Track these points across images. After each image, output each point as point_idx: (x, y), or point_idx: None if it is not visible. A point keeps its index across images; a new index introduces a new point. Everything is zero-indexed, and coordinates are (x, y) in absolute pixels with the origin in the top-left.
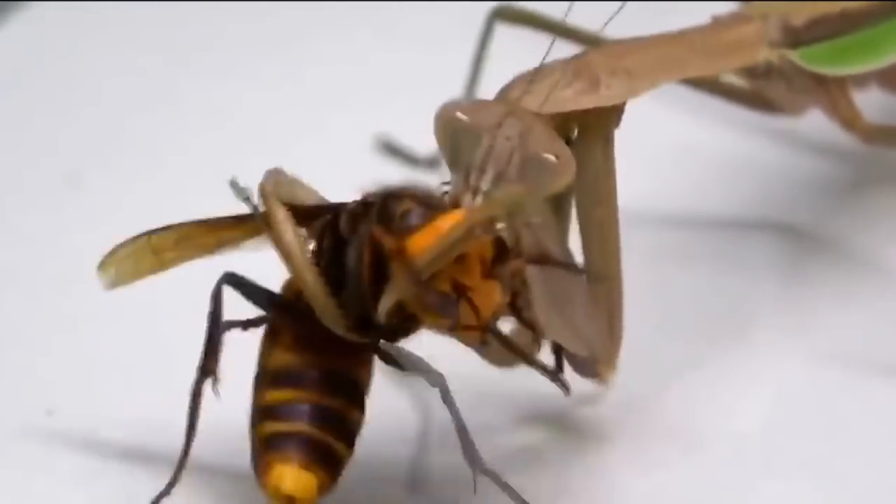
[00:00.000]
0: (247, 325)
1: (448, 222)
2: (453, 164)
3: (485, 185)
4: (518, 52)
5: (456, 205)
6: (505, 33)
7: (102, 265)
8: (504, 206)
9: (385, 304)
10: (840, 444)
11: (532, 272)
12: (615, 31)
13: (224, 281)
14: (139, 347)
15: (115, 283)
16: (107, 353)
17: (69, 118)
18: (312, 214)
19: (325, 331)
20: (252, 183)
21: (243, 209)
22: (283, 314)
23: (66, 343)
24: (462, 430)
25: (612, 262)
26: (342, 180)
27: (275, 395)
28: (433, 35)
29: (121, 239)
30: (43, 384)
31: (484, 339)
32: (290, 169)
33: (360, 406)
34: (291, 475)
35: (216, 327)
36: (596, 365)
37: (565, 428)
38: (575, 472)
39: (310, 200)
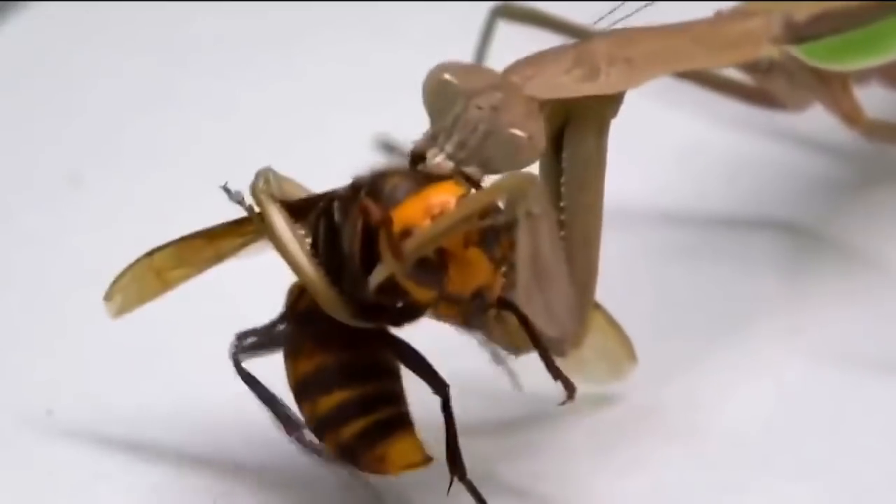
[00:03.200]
0: (268, 347)
1: (437, 192)
2: (432, 123)
3: (449, 147)
4: (519, 51)
5: (418, 156)
6: (506, 31)
7: (108, 295)
8: (507, 192)
9: (376, 279)
10: (841, 444)
11: (521, 249)
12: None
13: (237, 347)
14: (139, 347)
15: (121, 311)
16: (107, 353)
17: (69, 118)
18: (305, 208)
19: (337, 325)
20: (246, 185)
21: (240, 211)
22: (297, 326)
23: (66, 343)
24: (452, 439)
25: (591, 247)
26: (342, 180)
27: (328, 402)
28: (433, 35)
29: (121, 239)
30: (43, 384)
31: (470, 316)
32: (284, 167)
33: (397, 374)
34: (404, 448)
35: (262, 392)
36: (562, 344)
37: (565, 427)
38: (575, 471)
39: (301, 195)
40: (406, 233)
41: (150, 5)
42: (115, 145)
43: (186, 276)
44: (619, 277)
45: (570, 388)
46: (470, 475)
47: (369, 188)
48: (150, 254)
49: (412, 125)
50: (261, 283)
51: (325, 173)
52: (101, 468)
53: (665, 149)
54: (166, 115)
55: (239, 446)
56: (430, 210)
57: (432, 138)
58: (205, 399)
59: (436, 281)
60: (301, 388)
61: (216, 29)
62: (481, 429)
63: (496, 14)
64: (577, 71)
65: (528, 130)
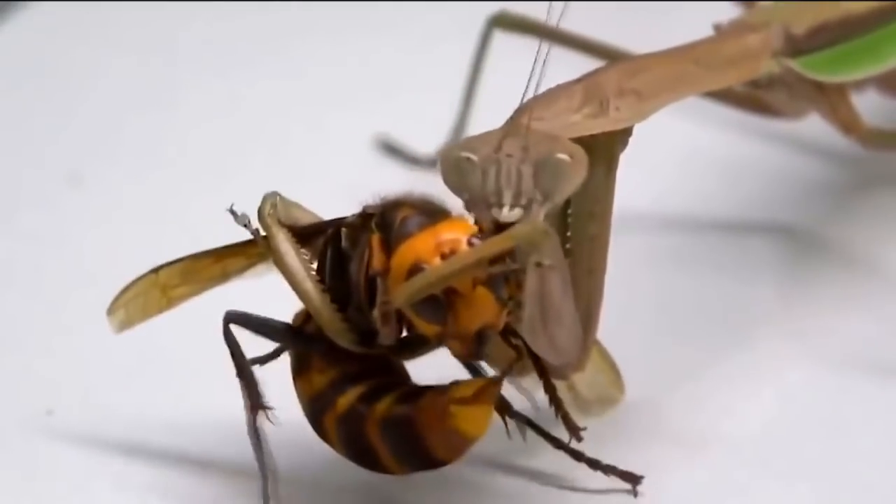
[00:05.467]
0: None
1: (448, 229)
2: (468, 201)
3: (507, 200)
4: (516, 59)
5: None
6: (503, 40)
7: (111, 309)
8: (518, 241)
9: (377, 313)
10: (841, 446)
11: (529, 296)
12: (613, 34)
13: (227, 320)
14: (138, 347)
15: (124, 325)
16: (107, 353)
17: (69, 118)
18: (313, 233)
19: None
20: (251, 188)
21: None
22: (302, 343)
23: (66, 343)
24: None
25: (596, 277)
26: (342, 180)
27: (347, 399)
28: (433, 35)
29: (121, 239)
30: (43, 384)
31: (473, 350)
32: (283, 167)
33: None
34: (466, 410)
35: (242, 363)
36: (564, 369)
37: (566, 429)
38: (576, 473)
39: (308, 221)
40: (415, 268)
41: (150, 5)
42: (114, 145)
43: (191, 294)
44: (621, 282)
45: (575, 432)
46: (469, 475)
47: (379, 219)
48: (156, 270)
49: (412, 125)
50: (260, 285)
51: (325, 173)
52: (100, 468)
53: (666, 153)
54: (166, 115)
55: (238, 447)
56: (440, 247)
57: (486, 210)
58: (204, 400)
59: (441, 318)
60: (317, 403)
61: (216, 29)
62: None
63: (492, 23)
64: (587, 108)
65: (566, 151)
